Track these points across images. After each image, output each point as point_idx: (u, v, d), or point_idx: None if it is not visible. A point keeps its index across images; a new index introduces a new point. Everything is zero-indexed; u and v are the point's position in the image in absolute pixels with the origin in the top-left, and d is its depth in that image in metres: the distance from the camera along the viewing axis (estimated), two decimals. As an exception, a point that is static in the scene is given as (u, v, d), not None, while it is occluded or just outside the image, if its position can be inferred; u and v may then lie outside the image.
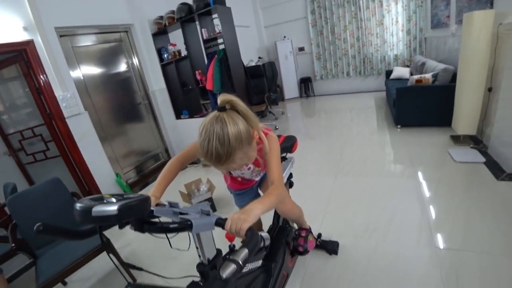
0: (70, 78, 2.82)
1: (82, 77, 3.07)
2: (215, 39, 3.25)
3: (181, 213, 0.74)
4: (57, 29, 2.70)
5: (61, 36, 2.79)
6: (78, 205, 0.59)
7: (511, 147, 2.24)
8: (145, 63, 3.69)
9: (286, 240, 1.38)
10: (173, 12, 3.22)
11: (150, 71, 3.74)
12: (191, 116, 3.82)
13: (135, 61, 3.68)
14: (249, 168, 1.19)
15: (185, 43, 3.33)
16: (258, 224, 1.67)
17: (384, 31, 5.52)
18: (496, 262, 1.47)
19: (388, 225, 1.91)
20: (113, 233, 1.92)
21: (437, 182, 2.34)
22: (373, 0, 5.39)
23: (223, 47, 3.13)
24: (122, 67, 3.53)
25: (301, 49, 6.54)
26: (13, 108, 3.07)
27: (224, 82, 3.14)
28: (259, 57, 6.45)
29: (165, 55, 3.60)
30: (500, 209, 1.85)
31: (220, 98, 0.83)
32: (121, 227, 0.68)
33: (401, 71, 4.81)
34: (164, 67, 3.68)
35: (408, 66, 5.13)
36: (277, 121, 5.19)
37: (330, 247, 1.74)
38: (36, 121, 2.94)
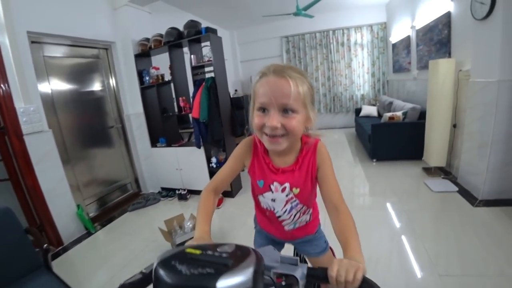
0: (36, 90, 2.48)
1: (50, 92, 2.73)
2: (203, 66, 3.20)
3: None
4: (29, 33, 2.43)
5: (32, 42, 2.50)
6: (168, 276, 0.38)
7: (477, 176, 2.49)
8: (122, 85, 3.45)
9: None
10: (160, 35, 3.14)
11: (128, 93, 3.49)
12: (168, 145, 3.55)
13: (112, 81, 3.43)
14: (283, 189, 0.85)
15: (171, 68, 3.22)
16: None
17: (352, 72, 6.09)
18: (496, 284, 1.53)
19: (389, 256, 1.87)
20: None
21: (422, 211, 2.44)
22: (342, 45, 5.98)
23: (212, 75, 3.08)
24: (97, 86, 3.25)
25: (275, 84, 6.80)
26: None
27: (211, 110, 3.03)
28: (235, 90, 6.54)
29: (147, 78, 3.42)
30: (484, 233, 1.99)
31: None
32: None
33: (369, 109, 5.22)
34: (143, 91, 3.48)
35: (373, 105, 5.60)
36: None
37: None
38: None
